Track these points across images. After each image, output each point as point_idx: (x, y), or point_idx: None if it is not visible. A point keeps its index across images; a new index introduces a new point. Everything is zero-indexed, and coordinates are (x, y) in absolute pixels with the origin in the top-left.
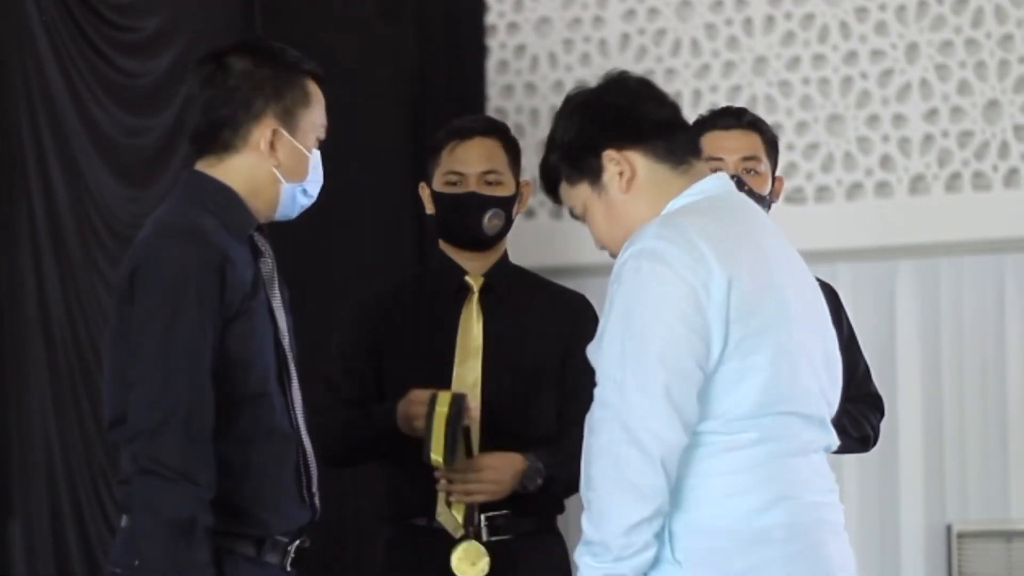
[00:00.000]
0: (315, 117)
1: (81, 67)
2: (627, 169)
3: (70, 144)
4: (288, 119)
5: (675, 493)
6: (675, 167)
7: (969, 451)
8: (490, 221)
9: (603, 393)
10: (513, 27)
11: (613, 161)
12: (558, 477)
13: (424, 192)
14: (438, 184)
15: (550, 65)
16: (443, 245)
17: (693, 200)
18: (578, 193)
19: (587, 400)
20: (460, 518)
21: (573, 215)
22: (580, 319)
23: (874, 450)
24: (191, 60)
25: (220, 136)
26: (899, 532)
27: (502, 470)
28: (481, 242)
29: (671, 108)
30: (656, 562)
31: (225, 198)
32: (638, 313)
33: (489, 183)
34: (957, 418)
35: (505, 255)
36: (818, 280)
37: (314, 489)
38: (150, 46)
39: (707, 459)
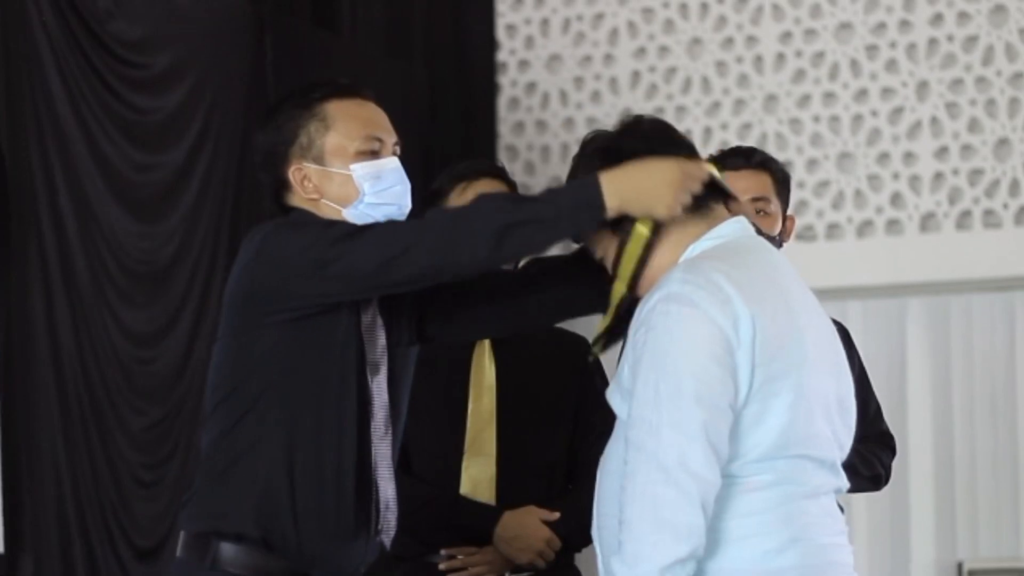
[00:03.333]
0: (344, 134)
1: (92, 103)
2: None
3: (81, 180)
4: (307, 151)
5: None
6: (694, 211)
7: (980, 488)
8: None
9: (637, 436)
10: (524, 64)
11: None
12: (576, 539)
13: None
14: None
15: (561, 102)
16: None
17: (713, 244)
18: (599, 239)
19: (598, 440)
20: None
21: (595, 258)
22: (587, 361)
23: (885, 487)
24: (202, 96)
25: (280, 196)
26: (910, 569)
27: (524, 538)
28: None
29: (687, 150)
30: None
31: None
32: (671, 355)
33: None
34: (968, 455)
35: None
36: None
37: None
38: (161, 83)
39: (725, 501)
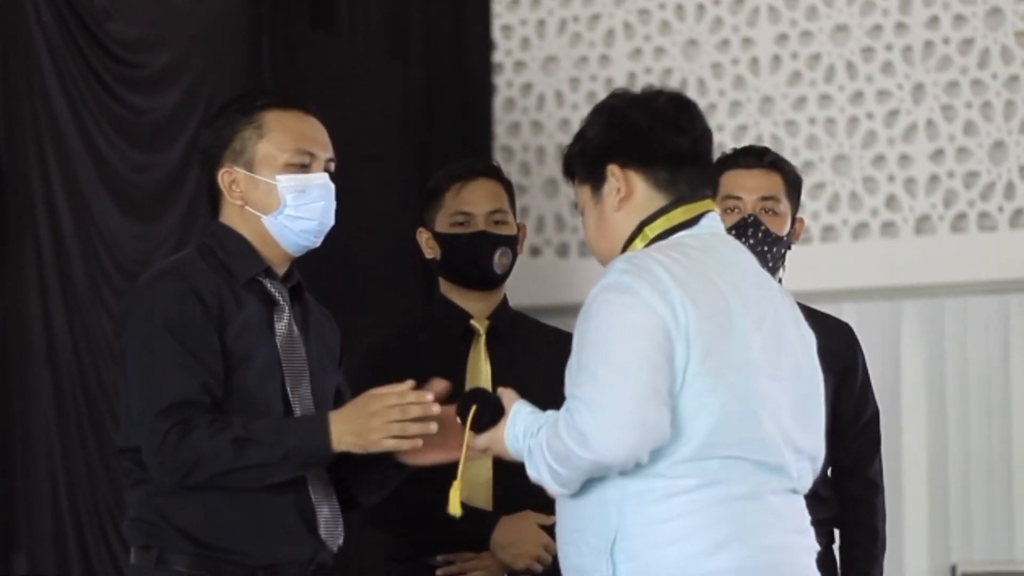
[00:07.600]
0: (276, 144)
1: (89, 103)
2: (624, 188)
3: (78, 179)
4: (239, 156)
5: (618, 540)
6: (672, 200)
7: (974, 491)
8: (500, 259)
9: (576, 405)
10: (520, 65)
11: (615, 176)
12: None
13: (423, 236)
14: (443, 226)
15: (556, 103)
16: (446, 288)
17: (676, 238)
18: (582, 193)
19: None
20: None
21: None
22: None
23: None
24: (199, 97)
25: (211, 196)
26: (903, 573)
27: (521, 544)
28: (490, 281)
29: (691, 139)
30: None
31: (235, 243)
32: (612, 341)
33: (496, 222)
34: (962, 458)
35: (505, 298)
36: (835, 320)
37: (319, 529)
38: (158, 83)
39: (648, 506)
